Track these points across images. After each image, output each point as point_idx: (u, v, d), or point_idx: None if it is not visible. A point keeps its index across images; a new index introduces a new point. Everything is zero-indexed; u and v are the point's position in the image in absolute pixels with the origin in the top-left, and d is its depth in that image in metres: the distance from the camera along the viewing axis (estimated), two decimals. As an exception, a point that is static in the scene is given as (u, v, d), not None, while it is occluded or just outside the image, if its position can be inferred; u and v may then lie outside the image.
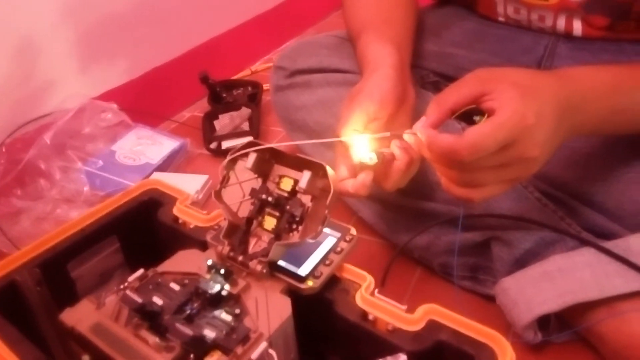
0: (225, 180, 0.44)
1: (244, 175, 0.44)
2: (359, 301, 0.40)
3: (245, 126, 0.98)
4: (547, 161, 0.44)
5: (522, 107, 0.40)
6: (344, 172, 0.47)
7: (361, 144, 0.45)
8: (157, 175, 0.84)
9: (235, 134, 0.96)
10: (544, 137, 0.41)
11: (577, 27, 0.65)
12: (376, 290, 0.41)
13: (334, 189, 0.39)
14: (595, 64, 0.49)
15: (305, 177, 0.41)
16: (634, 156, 0.55)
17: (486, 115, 0.42)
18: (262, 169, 0.44)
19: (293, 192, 0.43)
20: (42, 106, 0.88)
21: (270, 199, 0.43)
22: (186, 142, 0.94)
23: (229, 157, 0.43)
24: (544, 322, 0.52)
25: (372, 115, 0.47)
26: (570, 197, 0.56)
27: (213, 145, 0.96)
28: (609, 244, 0.51)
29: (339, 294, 0.41)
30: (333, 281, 0.42)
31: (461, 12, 0.77)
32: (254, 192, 0.44)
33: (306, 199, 0.42)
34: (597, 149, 0.57)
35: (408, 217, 0.62)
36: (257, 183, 0.44)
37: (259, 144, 0.42)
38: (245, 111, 1.00)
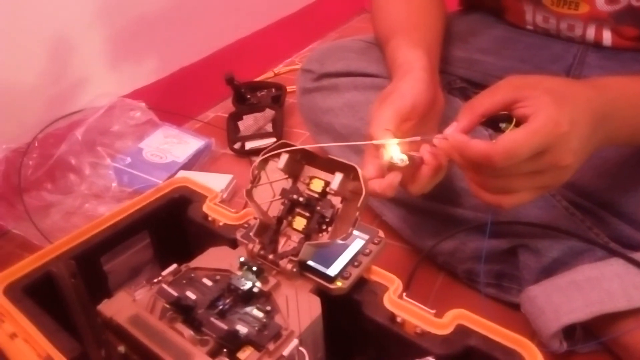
0: (256, 180, 0.45)
1: (275, 176, 0.45)
2: (387, 303, 0.40)
3: (269, 127, 0.99)
4: (577, 170, 0.44)
5: (556, 114, 0.40)
6: (371, 171, 0.47)
7: (393, 145, 0.45)
8: (183, 174, 0.86)
9: (259, 135, 0.97)
10: (578, 144, 0.41)
11: (607, 37, 0.65)
12: (404, 294, 0.41)
13: (365, 191, 0.39)
14: (628, 74, 0.49)
15: (337, 178, 0.41)
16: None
17: (514, 122, 0.42)
18: (293, 169, 0.44)
19: (323, 193, 0.43)
20: (74, 103, 0.90)
21: (300, 199, 0.43)
22: (211, 142, 0.95)
23: (261, 157, 0.44)
24: (569, 332, 0.51)
25: (404, 116, 0.47)
26: (599, 207, 0.56)
27: (237, 146, 0.97)
28: (638, 255, 0.51)
29: (367, 295, 0.42)
30: (361, 283, 0.42)
31: (489, 19, 0.77)
32: (284, 192, 0.44)
33: (336, 201, 0.42)
34: (627, 159, 0.56)
35: (434, 222, 0.62)
36: (287, 183, 0.45)
37: (291, 145, 0.43)
38: (269, 112, 1.01)
